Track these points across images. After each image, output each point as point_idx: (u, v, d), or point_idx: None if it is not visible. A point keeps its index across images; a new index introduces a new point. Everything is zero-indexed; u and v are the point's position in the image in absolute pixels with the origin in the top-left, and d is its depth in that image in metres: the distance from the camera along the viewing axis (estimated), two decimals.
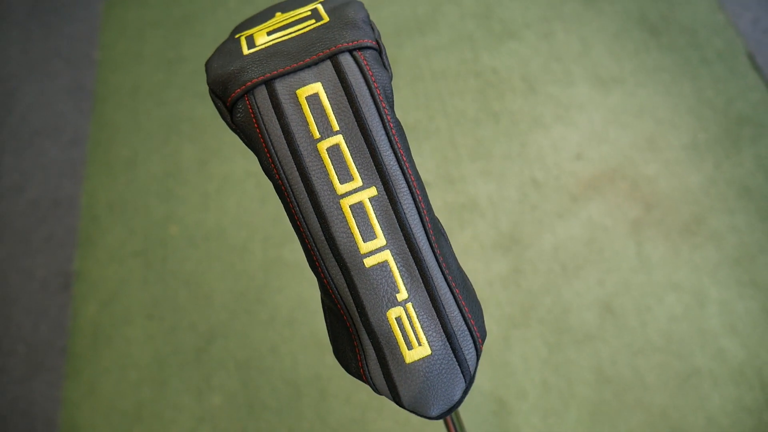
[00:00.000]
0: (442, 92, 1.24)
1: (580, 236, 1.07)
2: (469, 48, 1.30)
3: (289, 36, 0.38)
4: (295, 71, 0.37)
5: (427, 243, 0.38)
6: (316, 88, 0.37)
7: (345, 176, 0.37)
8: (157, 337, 1.07)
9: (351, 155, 0.37)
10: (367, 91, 0.37)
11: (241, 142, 1.25)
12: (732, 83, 1.19)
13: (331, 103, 0.37)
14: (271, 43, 0.38)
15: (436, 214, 0.40)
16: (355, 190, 0.37)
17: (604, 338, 0.98)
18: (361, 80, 0.37)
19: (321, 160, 0.37)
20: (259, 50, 0.38)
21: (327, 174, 0.37)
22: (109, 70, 1.42)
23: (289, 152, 0.37)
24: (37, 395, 1.04)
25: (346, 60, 0.38)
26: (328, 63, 0.37)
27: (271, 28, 0.40)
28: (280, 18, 0.41)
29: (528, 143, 1.17)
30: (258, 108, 0.37)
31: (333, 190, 0.37)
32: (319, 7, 0.40)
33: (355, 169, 0.37)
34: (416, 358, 0.38)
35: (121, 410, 1.01)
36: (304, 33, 0.38)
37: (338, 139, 0.37)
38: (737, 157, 1.11)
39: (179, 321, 1.07)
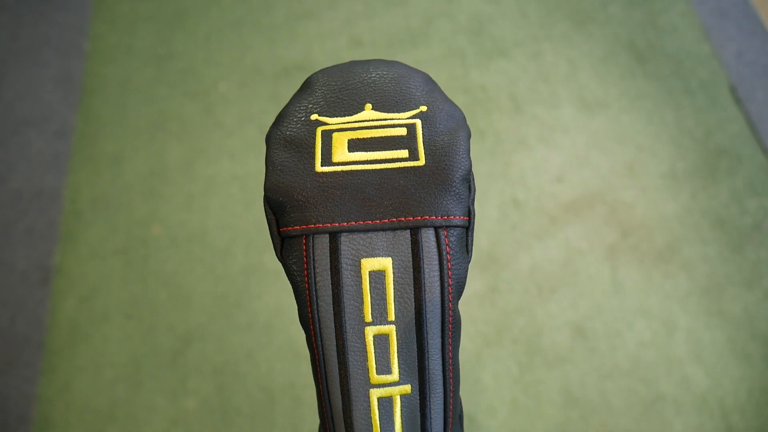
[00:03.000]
0: None
1: (557, 258, 1.09)
2: (460, 64, 1.31)
3: (373, 167, 0.32)
4: (367, 230, 0.32)
5: None
6: (385, 264, 0.32)
7: (384, 368, 0.33)
8: (134, 337, 1.07)
9: (397, 350, 0.33)
10: (438, 286, 0.32)
11: (229, 146, 1.26)
12: (713, 114, 1.21)
13: (395, 289, 0.32)
14: (349, 168, 0.32)
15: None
16: (390, 385, 0.33)
17: (574, 360, 1.01)
18: (436, 271, 0.32)
19: (364, 344, 0.33)
20: (335, 174, 0.32)
21: (366, 360, 0.33)
22: (98, 62, 1.42)
23: (333, 324, 0.32)
24: (11, 390, 1.05)
25: (427, 238, 0.32)
26: (407, 235, 0.32)
27: (354, 135, 0.33)
28: (369, 117, 0.34)
29: (511, 163, 1.19)
30: (314, 260, 0.32)
31: (367, 377, 0.33)
32: (419, 126, 0.34)
33: (396, 365, 0.33)
34: None
35: (95, 409, 1.02)
36: (390, 170, 0.32)
37: (390, 329, 0.33)
38: (713, 188, 1.14)
39: (157, 322, 1.08)
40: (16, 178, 1.28)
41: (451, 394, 0.35)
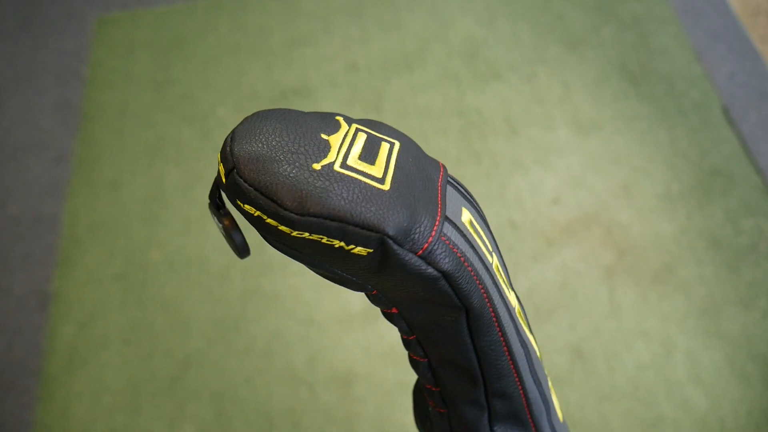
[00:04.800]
0: (426, 130, 1.27)
1: (554, 280, 1.09)
2: (455, 87, 1.33)
3: (392, 162, 0.34)
4: (444, 203, 0.34)
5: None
6: (469, 213, 0.37)
7: (509, 289, 0.38)
8: (132, 363, 1.07)
9: (503, 269, 0.38)
10: (478, 205, 0.39)
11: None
12: (706, 135, 1.23)
13: (480, 225, 0.37)
14: (390, 171, 0.33)
15: None
16: (515, 300, 0.39)
17: (573, 383, 1.01)
18: (470, 195, 0.39)
19: (500, 279, 0.37)
20: (393, 181, 0.33)
21: (506, 291, 0.37)
22: (97, 89, 1.43)
23: (491, 281, 0.35)
24: (8, 417, 1.04)
25: (456, 181, 0.38)
26: (450, 188, 0.36)
27: (354, 155, 0.33)
28: (336, 141, 0.34)
29: (507, 185, 1.19)
30: (456, 245, 0.33)
31: (511, 304, 0.38)
32: (363, 127, 0.35)
33: (508, 284, 0.38)
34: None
35: None
36: (399, 157, 0.35)
37: (496, 257, 0.38)
38: (708, 208, 1.14)
39: (156, 347, 1.08)
40: (14, 204, 1.28)
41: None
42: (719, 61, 1.33)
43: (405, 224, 0.31)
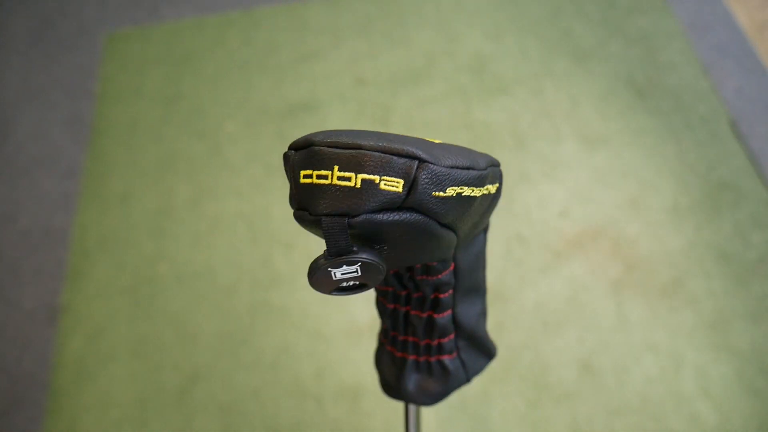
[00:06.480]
0: None
1: (562, 293, 1.09)
2: (462, 101, 1.33)
3: None
4: None
5: None
6: None
7: None
8: (140, 376, 1.07)
9: None
10: None
11: (236, 184, 1.27)
12: (714, 149, 1.23)
13: None
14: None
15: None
16: None
17: (582, 397, 1.00)
18: None
19: None
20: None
21: None
22: (107, 104, 1.45)
23: None
24: (17, 430, 1.04)
25: None
26: None
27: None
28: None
29: (515, 198, 1.20)
30: None
31: None
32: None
33: None
34: None
35: None
36: None
37: None
38: (717, 222, 1.14)
39: (164, 360, 1.08)
40: (25, 218, 1.30)
41: None
42: (726, 75, 1.33)
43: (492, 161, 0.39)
